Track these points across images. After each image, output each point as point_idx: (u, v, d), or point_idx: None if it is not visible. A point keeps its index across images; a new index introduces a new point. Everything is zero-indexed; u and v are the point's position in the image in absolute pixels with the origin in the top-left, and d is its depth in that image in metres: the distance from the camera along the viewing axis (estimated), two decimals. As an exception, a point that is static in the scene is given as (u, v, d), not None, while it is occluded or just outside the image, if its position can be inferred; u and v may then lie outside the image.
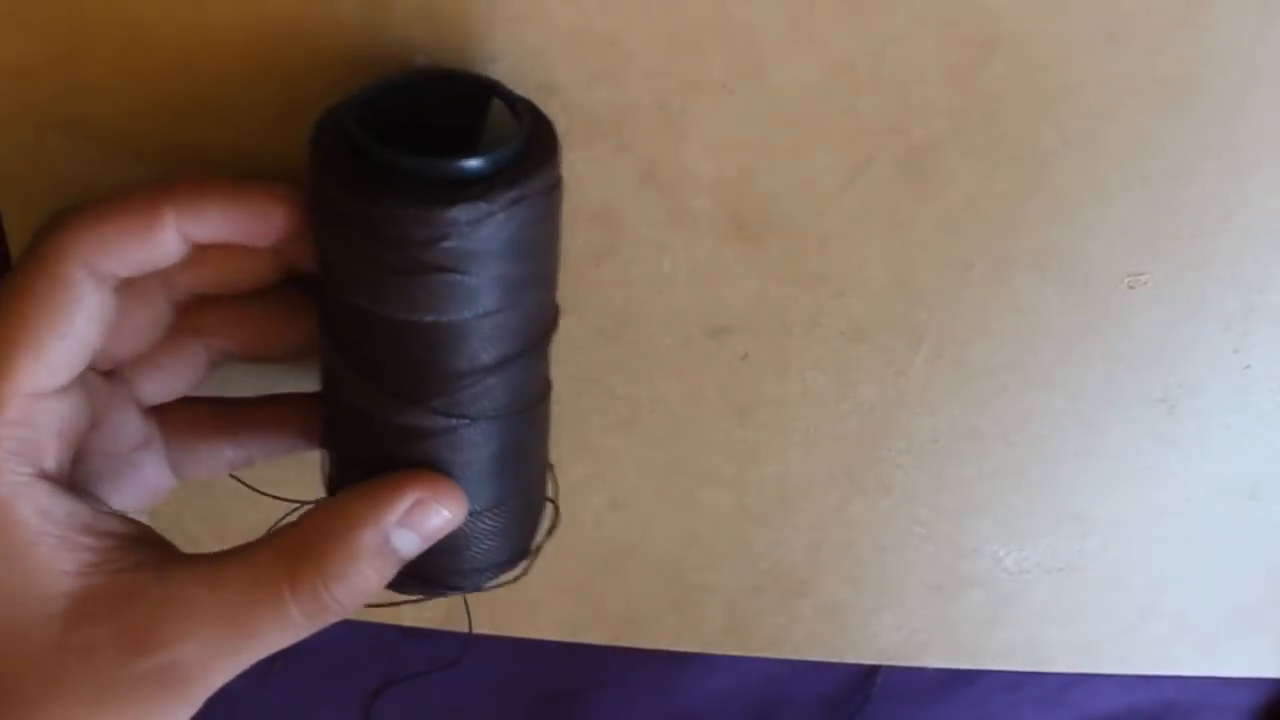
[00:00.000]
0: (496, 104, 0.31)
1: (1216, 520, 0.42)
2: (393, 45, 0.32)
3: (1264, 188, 0.35)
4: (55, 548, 0.28)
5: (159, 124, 0.34)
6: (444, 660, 0.50)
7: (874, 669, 0.50)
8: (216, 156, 0.35)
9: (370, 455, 0.31)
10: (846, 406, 0.39)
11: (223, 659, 0.28)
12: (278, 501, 0.42)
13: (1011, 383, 0.39)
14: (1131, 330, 0.37)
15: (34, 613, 0.27)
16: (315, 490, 0.43)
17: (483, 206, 0.28)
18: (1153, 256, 0.36)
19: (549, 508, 0.36)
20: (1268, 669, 0.47)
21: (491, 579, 0.34)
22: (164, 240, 0.28)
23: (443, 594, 0.34)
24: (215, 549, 0.42)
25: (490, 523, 0.33)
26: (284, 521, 0.32)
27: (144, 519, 0.31)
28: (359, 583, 0.29)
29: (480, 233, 0.28)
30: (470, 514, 0.32)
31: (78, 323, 0.28)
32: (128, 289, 0.30)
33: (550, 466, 0.35)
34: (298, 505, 0.39)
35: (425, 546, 0.30)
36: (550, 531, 0.36)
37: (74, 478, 0.30)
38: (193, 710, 0.29)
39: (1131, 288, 0.37)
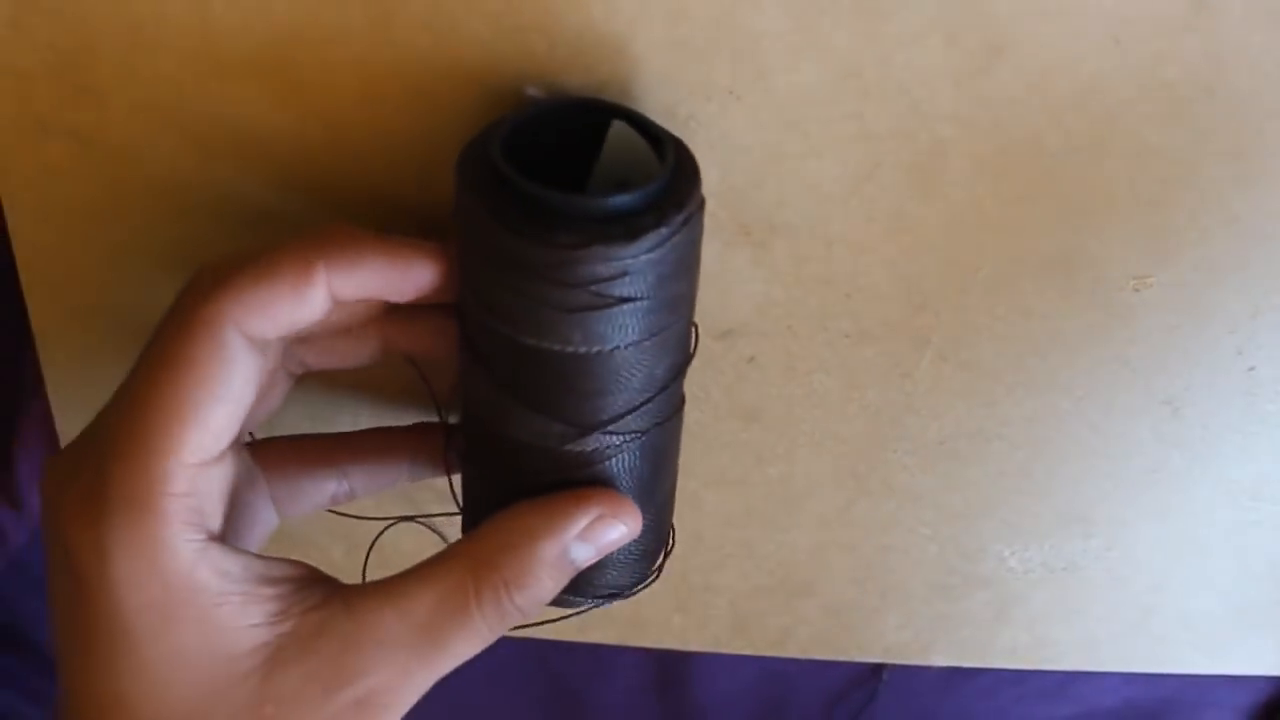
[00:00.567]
0: (615, 128, 0.31)
1: (1219, 521, 0.42)
2: (403, 54, 0.32)
3: (1269, 191, 0.35)
4: (240, 605, 0.28)
5: (162, 129, 0.34)
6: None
7: (879, 667, 0.51)
8: (219, 161, 0.35)
9: (528, 481, 0.31)
10: (852, 408, 0.40)
11: (416, 678, 0.29)
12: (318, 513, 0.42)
13: (1017, 385, 0.39)
14: (1136, 333, 0.37)
15: (231, 672, 0.27)
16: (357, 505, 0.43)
17: (662, 233, 0.28)
18: (1158, 260, 0.36)
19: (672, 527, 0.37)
20: (1269, 667, 0.47)
21: (628, 593, 0.35)
22: (315, 300, 0.28)
23: (582, 605, 0.34)
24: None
25: (638, 538, 0.33)
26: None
27: None
28: (539, 591, 0.30)
29: (656, 260, 0.28)
30: None
31: (236, 388, 0.28)
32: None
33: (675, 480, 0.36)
34: (391, 521, 0.41)
35: (598, 559, 0.31)
36: (670, 550, 0.36)
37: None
38: None
39: (1137, 290, 0.37)
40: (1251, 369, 0.38)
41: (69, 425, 0.41)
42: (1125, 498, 0.42)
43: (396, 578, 0.30)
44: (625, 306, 0.28)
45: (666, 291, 0.29)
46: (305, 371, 0.34)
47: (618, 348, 0.29)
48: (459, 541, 0.30)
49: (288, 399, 0.34)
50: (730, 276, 0.36)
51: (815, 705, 0.52)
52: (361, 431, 0.36)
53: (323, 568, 0.31)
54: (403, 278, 0.29)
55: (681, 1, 0.31)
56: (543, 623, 0.41)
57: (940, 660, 0.47)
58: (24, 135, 0.34)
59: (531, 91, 0.32)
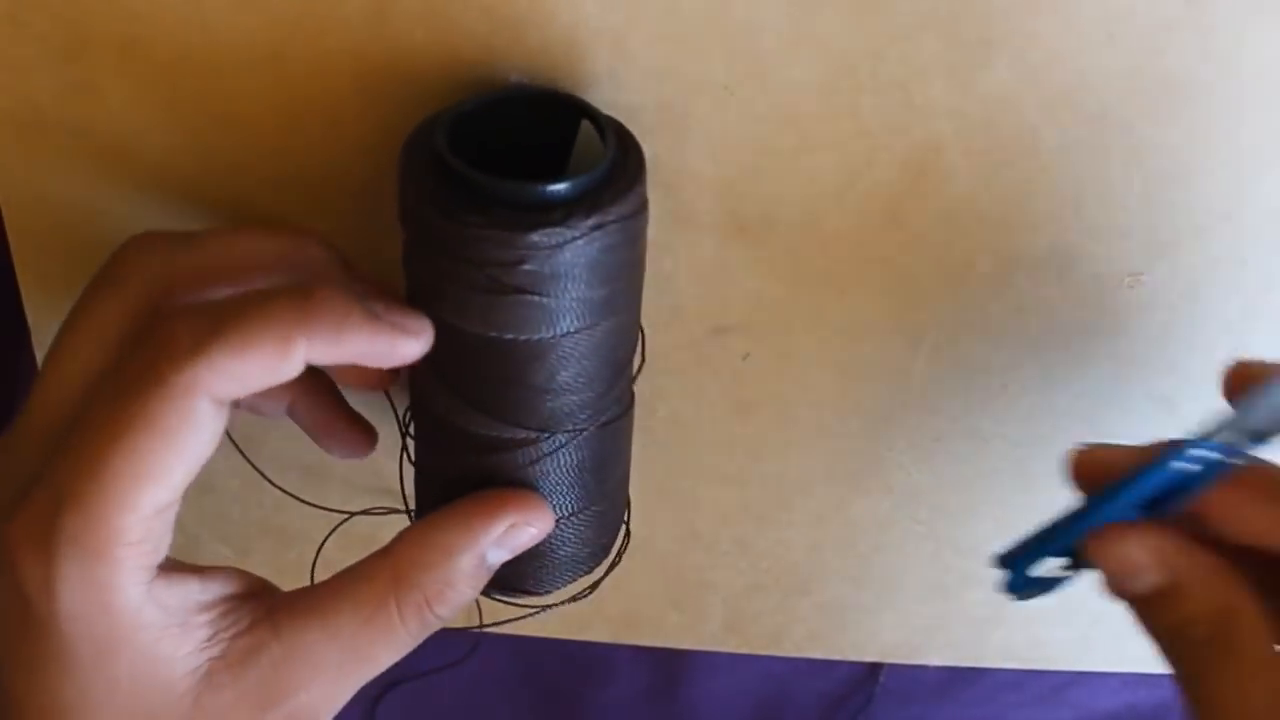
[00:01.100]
0: (586, 125, 0.31)
1: (1217, 519, 0.42)
2: (398, 45, 0.32)
3: (1265, 188, 0.35)
4: (176, 637, 0.28)
5: (159, 123, 0.34)
6: (448, 659, 0.50)
7: (876, 668, 0.51)
8: (216, 156, 0.35)
9: (455, 464, 0.32)
10: (848, 406, 0.40)
11: (343, 689, 0.30)
12: (276, 500, 0.42)
13: (1012, 382, 0.39)
14: (1132, 330, 0.37)
15: (163, 698, 0.28)
16: (321, 494, 0.43)
17: (564, 232, 0.28)
18: (1153, 256, 0.36)
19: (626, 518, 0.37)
20: (1268, 667, 0.47)
21: (566, 582, 0.35)
22: (290, 370, 0.28)
23: (518, 597, 0.35)
24: (217, 549, 0.43)
25: (568, 530, 0.34)
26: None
27: None
28: (459, 601, 0.31)
29: (560, 257, 0.28)
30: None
31: (200, 449, 0.28)
32: None
33: (627, 476, 0.36)
34: (347, 516, 0.41)
35: (512, 557, 0.32)
36: (626, 540, 0.37)
37: None
38: None
39: (1132, 287, 0.37)
40: (1248, 366, 0.38)
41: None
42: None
43: (321, 592, 0.30)
44: (522, 298, 0.29)
45: (573, 293, 0.29)
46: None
47: (516, 339, 0.29)
48: (379, 554, 0.31)
49: None
50: (725, 273, 0.36)
51: (812, 709, 0.52)
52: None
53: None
54: (384, 357, 0.29)
55: (676, -5, 0.31)
56: (528, 616, 0.41)
57: (936, 659, 0.47)
58: (20, 128, 0.34)
59: (517, 80, 0.32)
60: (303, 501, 0.42)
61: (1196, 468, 0.30)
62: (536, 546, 0.33)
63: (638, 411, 0.35)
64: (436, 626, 0.31)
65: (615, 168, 0.30)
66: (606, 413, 0.32)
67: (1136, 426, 0.40)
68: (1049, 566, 0.34)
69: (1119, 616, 0.32)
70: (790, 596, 0.45)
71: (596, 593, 0.38)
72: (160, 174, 0.35)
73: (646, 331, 0.35)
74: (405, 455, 0.36)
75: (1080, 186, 0.35)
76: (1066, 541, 0.33)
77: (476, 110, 0.31)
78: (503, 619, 0.46)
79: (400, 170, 0.30)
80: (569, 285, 0.29)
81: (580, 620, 0.46)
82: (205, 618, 0.29)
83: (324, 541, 0.43)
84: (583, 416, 0.31)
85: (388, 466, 0.41)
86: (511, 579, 0.34)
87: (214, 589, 0.30)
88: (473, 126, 0.30)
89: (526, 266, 0.28)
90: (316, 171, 0.35)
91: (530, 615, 0.37)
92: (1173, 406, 0.39)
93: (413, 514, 0.37)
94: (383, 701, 0.52)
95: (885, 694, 0.51)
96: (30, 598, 0.27)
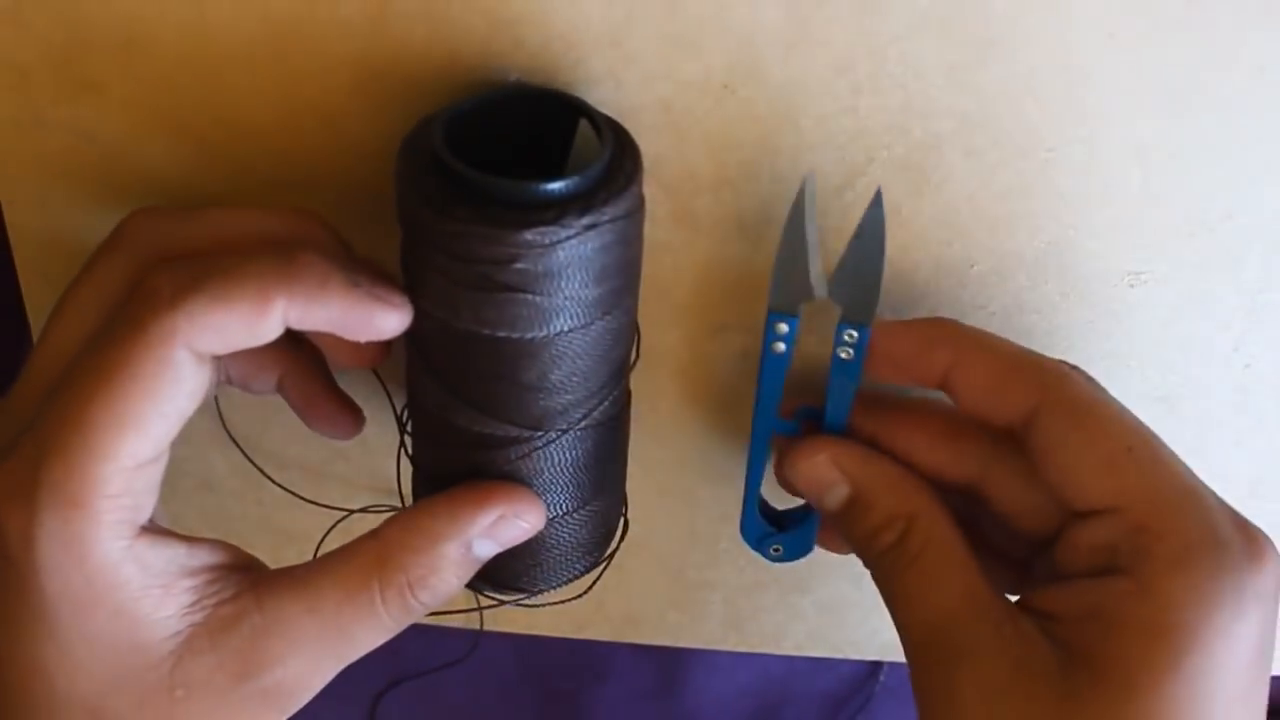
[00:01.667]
0: (584, 124, 0.31)
1: (1217, 518, 0.42)
2: (398, 46, 0.32)
3: (1264, 187, 0.35)
4: (157, 599, 0.29)
5: (159, 123, 0.34)
6: (449, 658, 0.50)
7: (876, 667, 0.51)
8: (216, 156, 0.35)
9: (451, 458, 0.32)
10: (848, 405, 0.40)
11: (323, 667, 0.30)
12: (276, 498, 0.43)
13: (1012, 381, 0.39)
14: (1132, 329, 0.37)
15: (143, 660, 0.29)
16: (321, 492, 0.43)
17: (557, 231, 0.28)
18: (1153, 255, 0.36)
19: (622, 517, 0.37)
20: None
21: (561, 582, 0.35)
22: (269, 328, 0.29)
23: (511, 594, 0.35)
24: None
25: (562, 528, 0.34)
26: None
27: None
28: (443, 588, 0.31)
29: (553, 255, 0.28)
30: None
31: (180, 402, 0.28)
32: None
33: (624, 476, 0.36)
34: (346, 514, 0.41)
35: (501, 550, 0.32)
36: (621, 540, 0.37)
37: None
38: (293, 711, 0.31)
39: (1132, 286, 0.37)
40: (1247, 366, 0.38)
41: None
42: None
43: (307, 569, 0.31)
44: (514, 296, 0.29)
45: (566, 292, 0.29)
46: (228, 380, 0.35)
47: (509, 337, 0.29)
48: (367, 536, 0.31)
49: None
50: (725, 271, 0.36)
51: (812, 709, 0.52)
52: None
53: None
54: (362, 325, 0.30)
55: (676, -5, 0.31)
56: (526, 609, 0.41)
57: (936, 659, 0.47)
58: (22, 129, 0.34)
59: (516, 79, 0.32)
60: (302, 499, 0.42)
61: (783, 347, 0.33)
62: (532, 544, 0.33)
63: (637, 410, 0.35)
64: (419, 613, 0.31)
65: (611, 167, 0.30)
66: (601, 411, 0.32)
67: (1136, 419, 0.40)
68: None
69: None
70: (790, 595, 0.45)
71: (596, 592, 0.38)
72: (160, 174, 0.35)
73: (646, 331, 0.35)
74: (403, 453, 0.36)
75: (1080, 185, 0.35)
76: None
77: (475, 110, 0.31)
78: (503, 618, 0.46)
79: (397, 168, 0.30)
80: (562, 284, 0.29)
81: (580, 620, 0.46)
82: (189, 583, 0.29)
83: (323, 539, 0.43)
84: (577, 415, 0.32)
85: (386, 465, 0.41)
86: (508, 577, 0.34)
87: (201, 556, 0.30)
88: (471, 126, 0.30)
89: (519, 265, 0.28)
90: (316, 171, 0.35)
91: (530, 609, 0.37)
92: (1172, 406, 0.39)
93: None
94: (383, 700, 0.52)
95: (885, 694, 0.51)
96: (11, 550, 0.28)
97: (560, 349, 0.30)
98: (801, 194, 0.31)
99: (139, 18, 0.32)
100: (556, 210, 0.28)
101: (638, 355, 0.34)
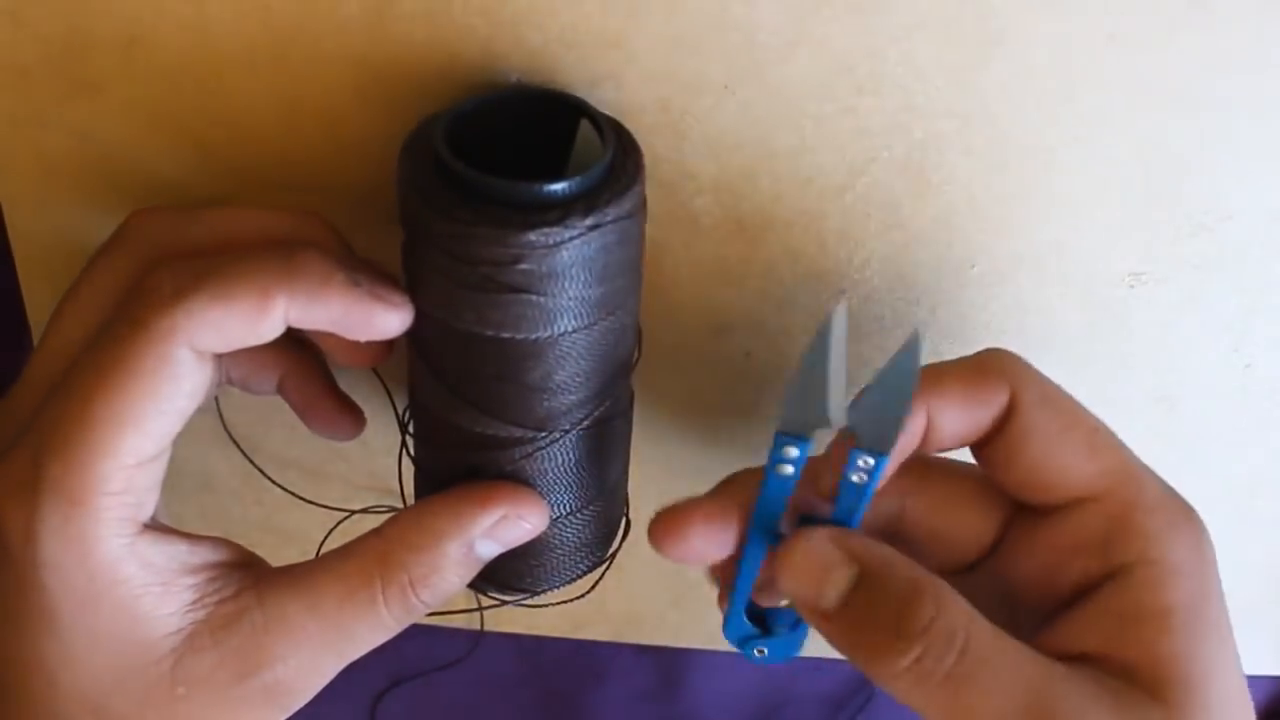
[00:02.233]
0: (585, 125, 0.31)
1: (1215, 519, 0.42)
2: (398, 46, 0.32)
3: (1265, 187, 0.35)
4: (159, 596, 0.29)
5: (160, 123, 0.34)
6: (449, 658, 0.50)
7: (875, 666, 0.51)
8: (216, 157, 0.35)
9: (453, 459, 0.32)
10: (848, 405, 0.40)
11: (324, 665, 0.30)
12: (276, 499, 0.43)
13: (1012, 381, 0.39)
14: (1132, 329, 0.37)
15: (144, 657, 0.29)
16: (321, 493, 0.43)
17: (560, 231, 0.28)
18: (1153, 256, 0.36)
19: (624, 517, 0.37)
20: (1267, 667, 0.47)
21: (564, 582, 0.35)
22: (270, 326, 0.29)
23: (513, 594, 0.35)
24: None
25: (565, 528, 0.34)
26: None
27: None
28: (445, 587, 0.31)
29: (557, 256, 0.28)
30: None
31: (180, 400, 0.29)
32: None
33: (626, 476, 0.36)
34: (347, 514, 0.41)
35: (503, 550, 0.32)
36: (623, 540, 0.37)
37: None
38: (295, 709, 0.31)
39: (1132, 287, 0.37)
40: (1248, 366, 0.38)
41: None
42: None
43: (309, 567, 0.31)
44: (517, 297, 0.29)
45: (569, 293, 0.29)
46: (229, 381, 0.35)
47: (512, 338, 0.29)
48: (370, 534, 0.31)
49: None
50: (725, 271, 0.36)
51: (812, 709, 0.52)
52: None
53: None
54: (363, 325, 0.30)
55: (676, -5, 0.31)
56: (528, 609, 0.41)
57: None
58: (22, 129, 0.34)
59: (517, 80, 0.32)
60: (303, 500, 0.42)
61: (790, 470, 0.30)
62: (535, 544, 0.33)
63: (637, 410, 0.35)
64: (420, 612, 0.31)
65: (613, 167, 0.30)
66: (604, 411, 0.32)
67: (1137, 426, 0.39)
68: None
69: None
70: (790, 596, 0.45)
71: (597, 592, 0.38)
72: (160, 174, 0.35)
73: (646, 332, 0.35)
74: (405, 453, 0.36)
75: (1080, 186, 0.35)
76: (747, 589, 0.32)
77: (476, 110, 0.31)
78: (503, 618, 0.46)
79: (399, 170, 0.30)
80: (566, 285, 0.29)
81: (580, 620, 0.46)
82: (190, 580, 0.29)
83: (324, 540, 0.43)
84: (580, 415, 0.32)
85: (387, 466, 0.41)
86: (510, 577, 0.34)
87: (202, 554, 0.30)
88: (473, 127, 0.30)
89: (523, 266, 0.28)
90: (316, 172, 0.35)
91: (530, 609, 0.37)
92: (1173, 406, 0.39)
93: None
94: (384, 700, 0.52)
95: (884, 694, 0.51)
96: (13, 547, 0.28)
97: (564, 349, 0.30)
98: (828, 323, 0.28)
99: (139, 18, 0.32)
100: (560, 211, 0.28)
101: (639, 355, 0.34)
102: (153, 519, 0.29)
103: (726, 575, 0.33)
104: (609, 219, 0.29)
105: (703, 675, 0.51)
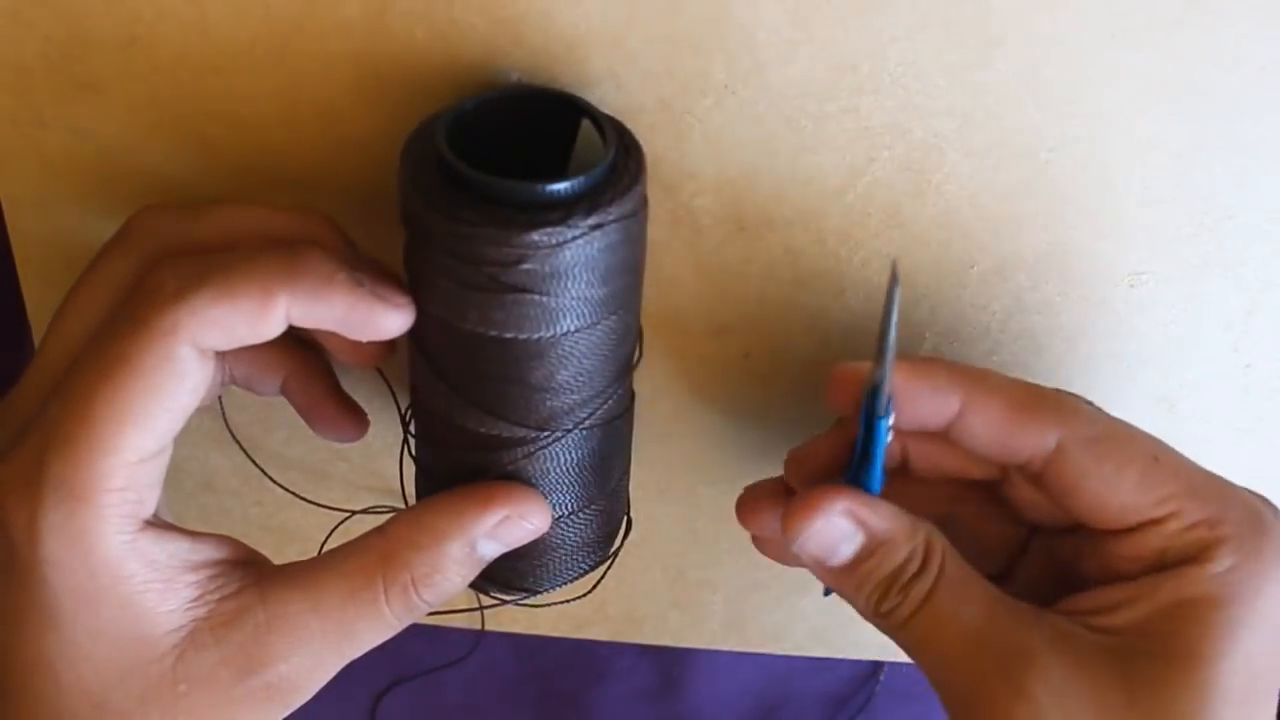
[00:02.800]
0: (586, 124, 0.31)
1: (1217, 518, 0.42)
2: (399, 46, 0.32)
3: (1265, 187, 0.35)
4: (160, 593, 0.29)
5: (160, 123, 0.34)
6: (450, 658, 0.50)
7: (876, 667, 0.51)
8: (217, 156, 0.35)
9: (455, 458, 0.32)
10: (848, 405, 0.40)
11: (326, 664, 0.30)
12: (277, 498, 0.43)
13: (1012, 381, 0.39)
14: (1133, 329, 0.37)
15: (146, 654, 0.29)
16: (323, 493, 0.43)
17: (563, 231, 0.28)
18: (1154, 256, 0.36)
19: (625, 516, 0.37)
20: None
21: (565, 581, 0.35)
22: (272, 325, 0.29)
23: (515, 594, 0.35)
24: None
25: (567, 528, 0.34)
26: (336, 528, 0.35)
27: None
28: (447, 587, 0.31)
29: (560, 256, 0.28)
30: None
31: (182, 398, 0.29)
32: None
33: (627, 475, 0.36)
34: (348, 514, 0.41)
35: (505, 550, 0.32)
36: (624, 539, 0.37)
37: None
38: (296, 707, 0.31)
39: (1133, 287, 0.37)
40: (1248, 366, 0.38)
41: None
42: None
43: (311, 565, 0.31)
44: (520, 297, 0.29)
45: (572, 292, 0.29)
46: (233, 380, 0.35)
47: (515, 338, 0.29)
48: (372, 533, 0.31)
49: None
50: (725, 271, 0.36)
51: (812, 709, 0.52)
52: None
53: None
54: (364, 324, 0.30)
55: (676, -5, 0.31)
56: (529, 609, 0.41)
57: (937, 659, 0.47)
58: (22, 128, 0.34)
59: (517, 79, 0.33)
60: (304, 500, 0.42)
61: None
62: (536, 543, 0.33)
63: (638, 410, 0.35)
64: (422, 611, 0.31)
65: (615, 167, 0.30)
66: (606, 411, 0.32)
67: (1136, 425, 0.40)
68: None
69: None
70: (791, 595, 0.45)
71: (597, 592, 0.38)
72: (161, 173, 0.35)
73: (646, 332, 0.35)
74: (406, 453, 0.36)
75: (1080, 186, 0.35)
76: None
77: (477, 110, 0.31)
78: (504, 618, 0.46)
79: (400, 170, 0.30)
80: (568, 284, 0.29)
81: (580, 620, 0.46)
82: (193, 578, 0.29)
83: (325, 540, 0.43)
84: (582, 415, 0.32)
85: (389, 466, 0.41)
86: (512, 577, 0.34)
87: (204, 551, 0.30)
88: (473, 126, 0.30)
89: (526, 266, 0.28)
90: (317, 171, 0.35)
91: (530, 609, 0.37)
92: (1172, 406, 0.39)
93: None
94: (384, 699, 0.52)
95: (885, 694, 0.51)
96: (16, 544, 0.28)
97: (566, 349, 0.30)
98: (891, 301, 0.29)
99: (140, 17, 0.32)
100: (563, 211, 0.28)
101: (640, 355, 0.34)
102: (154, 516, 0.29)
103: None
104: (612, 218, 0.29)
105: (703, 675, 0.51)
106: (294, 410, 0.36)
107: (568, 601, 0.38)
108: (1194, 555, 0.30)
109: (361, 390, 0.37)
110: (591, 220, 0.28)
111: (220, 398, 0.39)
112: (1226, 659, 0.29)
